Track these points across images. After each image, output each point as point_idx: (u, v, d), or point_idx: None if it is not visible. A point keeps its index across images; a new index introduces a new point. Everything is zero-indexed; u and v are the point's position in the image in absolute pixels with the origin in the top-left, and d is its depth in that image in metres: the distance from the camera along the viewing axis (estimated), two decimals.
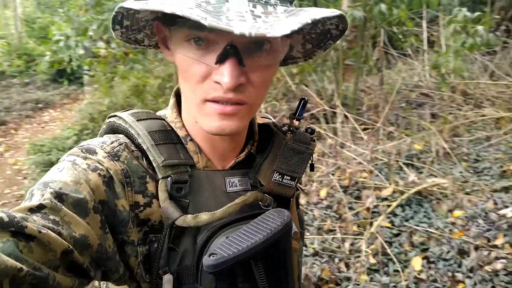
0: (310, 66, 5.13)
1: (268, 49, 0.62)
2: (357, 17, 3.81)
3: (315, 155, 2.17)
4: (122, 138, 0.69)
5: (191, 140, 0.73)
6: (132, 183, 0.65)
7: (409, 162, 3.54)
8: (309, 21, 0.54)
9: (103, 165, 0.63)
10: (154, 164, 0.66)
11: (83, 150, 0.64)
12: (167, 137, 0.69)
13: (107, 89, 5.99)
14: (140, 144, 0.67)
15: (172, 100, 0.76)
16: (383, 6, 3.90)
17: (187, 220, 0.63)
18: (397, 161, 3.51)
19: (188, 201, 0.67)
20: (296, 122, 0.78)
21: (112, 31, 0.66)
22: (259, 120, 0.83)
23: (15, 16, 13.26)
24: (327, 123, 4.36)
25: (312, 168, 0.85)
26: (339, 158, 3.32)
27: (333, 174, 3.24)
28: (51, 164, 5.11)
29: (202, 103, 0.64)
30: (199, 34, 0.59)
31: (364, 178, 3.25)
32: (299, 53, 0.79)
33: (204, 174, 0.71)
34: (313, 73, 5.26)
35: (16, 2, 13.52)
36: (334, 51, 4.63)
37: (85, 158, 0.63)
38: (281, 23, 0.55)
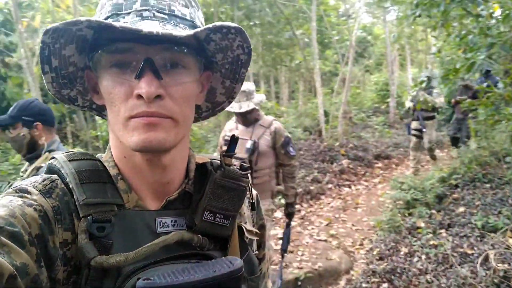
0: None
1: (182, 68, 0.68)
2: None
3: None
4: (54, 177, 0.70)
5: (122, 178, 0.72)
6: (62, 220, 0.66)
7: None
8: (210, 26, 0.63)
9: (37, 202, 0.64)
10: (77, 203, 0.66)
11: (17, 190, 0.66)
12: (96, 176, 0.70)
13: (487, 134, 5.40)
14: (68, 184, 0.68)
15: (110, 142, 0.78)
16: None
17: (100, 261, 0.61)
18: None
19: (111, 241, 0.66)
20: (227, 159, 0.77)
21: (43, 75, 0.68)
22: (199, 160, 0.81)
23: None
24: None
25: (253, 207, 0.88)
26: None
27: None
28: (407, 202, 5.12)
29: (127, 121, 0.66)
30: (119, 56, 0.65)
31: None
32: (222, 96, 0.83)
33: (132, 214, 0.70)
34: None
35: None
36: None
37: (21, 197, 0.65)
38: (187, 30, 0.66)
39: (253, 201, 0.88)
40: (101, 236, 0.65)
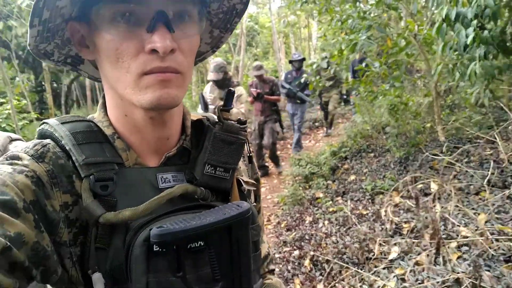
0: None
1: (189, 20, 0.66)
2: None
3: None
4: (47, 141, 0.68)
5: (119, 137, 0.71)
6: (59, 183, 0.64)
7: None
8: None
9: (28, 167, 0.62)
10: (76, 164, 0.65)
11: (7, 158, 0.65)
12: (92, 136, 0.68)
13: (368, 109, 6.02)
14: (64, 146, 0.67)
15: (100, 101, 0.76)
16: None
17: (109, 217, 0.61)
18: None
19: (115, 199, 0.65)
20: (225, 114, 0.77)
21: (29, 29, 0.64)
22: (193, 117, 0.81)
23: None
24: None
25: (250, 159, 0.90)
26: None
27: None
28: (305, 176, 5.50)
29: (139, 78, 0.63)
30: (126, 8, 0.60)
31: None
32: (207, 45, 0.83)
33: (133, 172, 0.70)
34: None
35: None
36: None
37: (11, 164, 0.63)
38: None
39: (250, 154, 0.90)
40: (105, 195, 0.64)
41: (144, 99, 0.63)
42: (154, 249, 0.60)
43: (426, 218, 2.92)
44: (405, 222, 3.25)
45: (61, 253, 0.63)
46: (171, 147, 0.75)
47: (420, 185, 3.97)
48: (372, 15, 4.85)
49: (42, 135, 0.72)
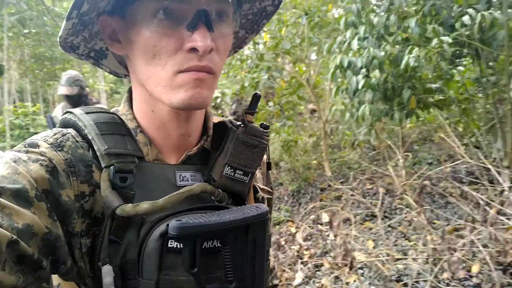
0: (475, 124, 4.51)
1: (226, 20, 0.65)
2: None
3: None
4: (68, 130, 0.67)
5: (141, 131, 0.70)
6: (77, 173, 0.62)
7: None
8: None
9: (45, 155, 0.60)
10: (98, 153, 0.64)
11: (26, 145, 0.63)
12: (115, 128, 0.67)
13: None
14: (87, 135, 0.65)
15: (125, 95, 0.75)
16: None
17: (127, 209, 0.59)
18: None
19: (133, 192, 0.64)
20: (249, 117, 0.75)
21: (65, 22, 0.62)
22: (215, 120, 0.80)
23: None
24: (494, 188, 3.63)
25: (269, 166, 0.88)
26: (495, 227, 2.64)
27: (484, 246, 2.58)
28: None
29: (174, 76, 0.62)
30: (169, 5, 0.60)
31: None
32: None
33: (153, 167, 0.69)
34: (481, 134, 4.59)
35: None
36: (499, 104, 3.95)
37: (27, 152, 0.61)
38: None
39: (269, 160, 0.87)
40: (124, 187, 0.63)
41: (175, 98, 0.63)
42: (169, 245, 0.59)
43: (325, 244, 3.15)
44: (306, 249, 3.46)
45: (72, 243, 0.61)
46: (191, 145, 0.75)
47: (313, 216, 4.28)
48: (270, 56, 5.22)
49: (65, 124, 0.70)
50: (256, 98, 0.77)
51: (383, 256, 2.91)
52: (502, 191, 3.46)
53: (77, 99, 3.98)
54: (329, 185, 5.02)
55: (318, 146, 6.05)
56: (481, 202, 2.77)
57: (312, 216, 4.28)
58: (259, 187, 0.81)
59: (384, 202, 4.12)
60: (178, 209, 0.64)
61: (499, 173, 3.16)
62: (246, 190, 0.74)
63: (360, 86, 3.60)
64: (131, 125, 0.70)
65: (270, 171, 0.90)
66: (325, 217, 4.13)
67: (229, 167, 0.71)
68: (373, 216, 4.24)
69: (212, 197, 0.70)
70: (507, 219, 2.69)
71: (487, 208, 2.76)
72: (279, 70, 4.83)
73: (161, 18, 0.60)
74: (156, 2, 0.59)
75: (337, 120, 6.98)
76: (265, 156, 0.82)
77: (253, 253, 0.64)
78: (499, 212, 2.92)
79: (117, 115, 0.71)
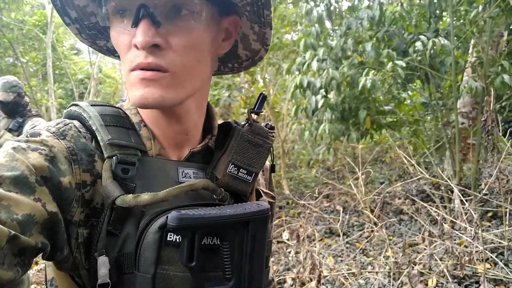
0: (425, 145, 4.78)
1: (188, 13, 0.61)
2: (473, 87, 3.44)
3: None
4: (68, 121, 0.66)
5: (145, 126, 0.70)
6: (79, 161, 0.61)
7: None
8: None
9: (46, 143, 0.59)
10: (101, 143, 0.62)
11: (28, 135, 0.61)
12: (119, 121, 0.66)
13: None
14: (90, 126, 0.64)
15: None
16: (506, 77, 3.48)
17: (127, 199, 0.58)
18: None
19: (134, 185, 0.63)
20: (254, 116, 0.74)
21: (68, 28, 0.65)
22: (220, 122, 0.79)
23: None
24: (444, 206, 3.84)
25: (273, 169, 0.86)
26: (450, 242, 2.78)
27: (440, 259, 2.72)
28: None
29: (128, 74, 0.62)
30: (118, 4, 0.60)
31: (487, 269, 2.65)
32: (256, 43, 0.75)
33: (155, 162, 0.67)
34: (430, 154, 4.88)
35: None
36: (450, 128, 4.22)
37: (27, 141, 0.59)
38: None
39: (273, 163, 0.84)
40: (125, 178, 0.61)
41: (133, 97, 0.62)
42: (168, 238, 0.58)
43: (287, 261, 3.17)
44: None
45: (69, 232, 0.60)
46: (193, 143, 0.74)
47: (274, 233, 4.29)
48: (227, 76, 5.28)
49: (70, 116, 0.69)
50: (262, 98, 0.76)
51: (346, 271, 2.97)
52: (452, 209, 3.67)
53: (13, 107, 3.39)
54: (288, 203, 5.08)
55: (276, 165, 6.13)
56: (438, 217, 2.91)
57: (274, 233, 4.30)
58: (262, 191, 0.80)
59: (344, 219, 4.22)
60: (179, 204, 0.63)
61: (451, 191, 3.34)
62: (249, 191, 0.73)
63: (319, 105, 3.72)
64: (135, 119, 0.70)
65: (273, 173, 0.89)
66: (285, 235, 4.17)
67: (232, 165, 0.70)
68: (331, 233, 4.32)
69: (214, 196, 0.69)
70: (461, 233, 2.85)
71: (444, 223, 2.91)
72: (239, 89, 4.88)
73: (116, 17, 0.62)
74: (110, 2, 0.61)
75: (293, 140, 7.14)
76: (267, 162, 0.81)
77: (252, 250, 0.63)
78: (453, 227, 3.09)
79: (122, 110, 0.70)
